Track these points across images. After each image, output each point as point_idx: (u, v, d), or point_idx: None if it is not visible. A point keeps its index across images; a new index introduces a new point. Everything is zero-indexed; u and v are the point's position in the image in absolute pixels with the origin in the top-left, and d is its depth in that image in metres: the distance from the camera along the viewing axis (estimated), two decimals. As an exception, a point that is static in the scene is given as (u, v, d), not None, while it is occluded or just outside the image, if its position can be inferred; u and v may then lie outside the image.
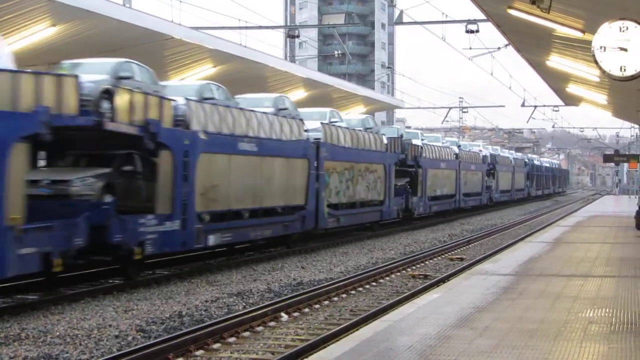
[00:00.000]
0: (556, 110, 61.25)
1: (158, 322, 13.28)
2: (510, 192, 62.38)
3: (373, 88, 77.91)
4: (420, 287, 17.58)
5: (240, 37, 51.62)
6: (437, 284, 17.69)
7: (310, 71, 44.99)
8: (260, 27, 38.62)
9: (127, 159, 18.16)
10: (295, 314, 14.61)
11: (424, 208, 38.88)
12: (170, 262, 20.69)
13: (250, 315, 13.67)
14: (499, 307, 11.42)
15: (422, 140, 41.78)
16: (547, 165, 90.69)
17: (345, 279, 18.40)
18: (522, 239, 27.42)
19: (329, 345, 10.55)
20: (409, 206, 36.09)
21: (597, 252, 19.94)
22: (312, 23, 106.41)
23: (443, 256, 24.74)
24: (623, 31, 10.36)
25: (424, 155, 39.34)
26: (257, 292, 16.61)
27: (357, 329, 11.39)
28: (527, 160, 75.05)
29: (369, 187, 30.94)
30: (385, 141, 33.10)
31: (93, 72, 16.31)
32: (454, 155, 46.49)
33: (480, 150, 55.04)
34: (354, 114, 40.68)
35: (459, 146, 50.31)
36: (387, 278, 19.70)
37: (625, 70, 10.39)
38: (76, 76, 15.58)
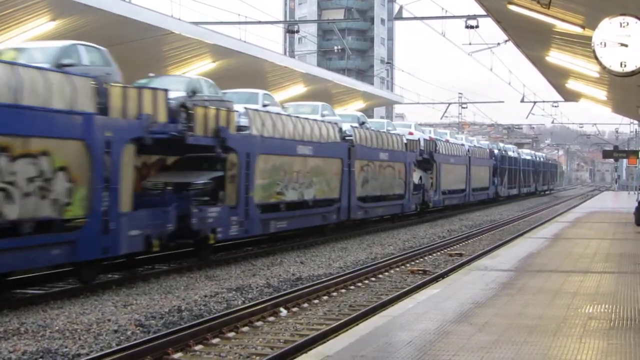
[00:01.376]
0: (555, 106, 61.29)
1: (157, 316, 13.28)
2: (464, 193, 47.47)
3: (372, 83, 77.90)
4: (420, 282, 17.58)
5: (239, 32, 51.54)
6: (436, 279, 17.70)
7: (310, 66, 45.01)
8: (259, 22, 38.52)
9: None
10: (295, 309, 14.61)
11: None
12: (170, 256, 20.68)
13: (249, 310, 13.66)
14: (498, 303, 11.42)
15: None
16: (529, 158, 76.14)
17: (344, 274, 18.40)
18: (521, 234, 27.42)
19: (328, 340, 10.55)
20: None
21: (597, 248, 19.95)
22: (311, 18, 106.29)
23: (442, 252, 24.74)
24: (623, 27, 10.36)
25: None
26: (256, 287, 16.61)
27: (357, 324, 11.38)
28: (498, 149, 61.81)
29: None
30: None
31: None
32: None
33: (411, 133, 40.55)
34: (348, 111, 40.74)
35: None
36: (386, 273, 19.70)
37: (625, 65, 10.39)
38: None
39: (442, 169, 41.78)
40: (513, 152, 69.03)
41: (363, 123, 33.64)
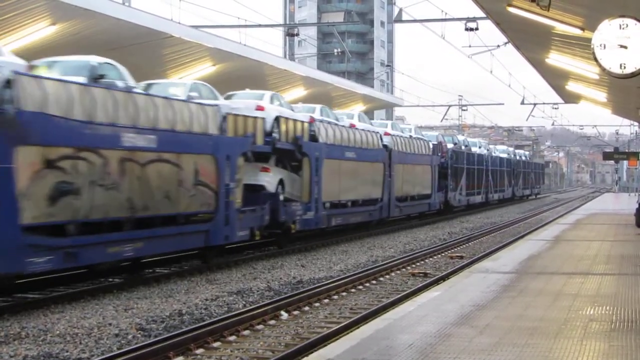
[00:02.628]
0: (556, 108, 61.29)
1: (158, 320, 13.28)
2: (377, 205, 32.07)
3: (372, 86, 77.92)
4: (421, 285, 17.58)
5: (239, 36, 51.66)
6: (437, 282, 17.69)
7: (310, 69, 44.99)
8: (259, 26, 38.60)
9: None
10: (296, 312, 14.61)
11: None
12: (169, 260, 20.69)
13: (250, 313, 13.66)
14: (499, 305, 11.42)
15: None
16: (504, 156, 63.37)
17: (345, 277, 18.40)
18: (522, 236, 27.43)
19: (329, 343, 10.55)
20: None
21: (597, 249, 19.94)
22: (311, 21, 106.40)
23: (443, 254, 24.74)
24: (623, 28, 10.36)
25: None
26: (257, 291, 16.61)
27: (358, 327, 11.38)
28: (455, 143, 48.53)
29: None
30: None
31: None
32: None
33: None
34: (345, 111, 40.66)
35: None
36: (387, 276, 19.70)
37: (625, 67, 10.39)
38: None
39: (323, 169, 26.95)
40: (481, 147, 56.75)
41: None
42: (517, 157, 70.63)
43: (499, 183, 58.96)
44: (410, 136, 38.34)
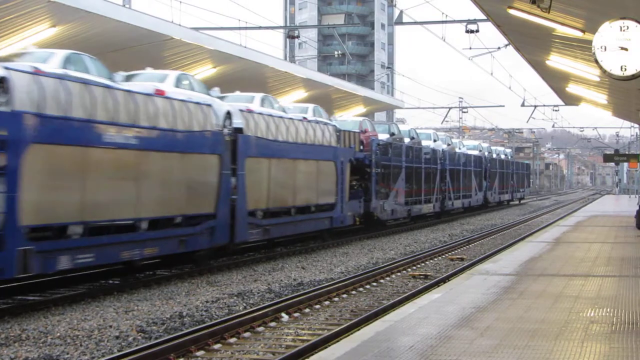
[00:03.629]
0: (556, 110, 61.24)
1: (159, 322, 13.28)
2: (209, 223, 19.86)
3: (373, 88, 78.01)
4: (421, 287, 17.57)
5: (240, 38, 51.65)
6: (437, 284, 17.68)
7: (310, 71, 45.00)
8: (260, 28, 38.61)
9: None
10: (296, 314, 14.61)
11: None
12: (171, 262, 20.68)
13: (251, 315, 13.66)
14: (499, 307, 11.41)
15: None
16: (475, 153, 52.82)
17: (345, 279, 18.39)
18: (523, 238, 27.42)
19: (330, 345, 10.55)
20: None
21: (598, 251, 19.94)
22: (311, 23, 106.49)
23: (443, 256, 24.74)
24: (623, 30, 10.36)
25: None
26: (258, 293, 16.61)
27: (358, 329, 11.38)
28: (392, 134, 35.97)
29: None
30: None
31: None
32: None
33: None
34: (347, 116, 40.53)
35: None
36: (388, 278, 19.69)
37: (626, 69, 10.39)
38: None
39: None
40: (437, 141, 45.38)
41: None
42: (495, 155, 59.69)
43: (464, 186, 47.12)
44: (305, 118, 26.67)
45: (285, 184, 24.39)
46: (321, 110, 29.32)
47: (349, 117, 35.99)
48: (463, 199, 47.24)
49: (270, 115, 23.84)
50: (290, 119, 25.16)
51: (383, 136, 34.71)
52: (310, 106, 28.66)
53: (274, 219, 23.64)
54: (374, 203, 31.61)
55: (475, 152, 53.39)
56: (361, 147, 31.38)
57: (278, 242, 26.16)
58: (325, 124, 27.99)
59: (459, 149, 50.17)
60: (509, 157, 66.68)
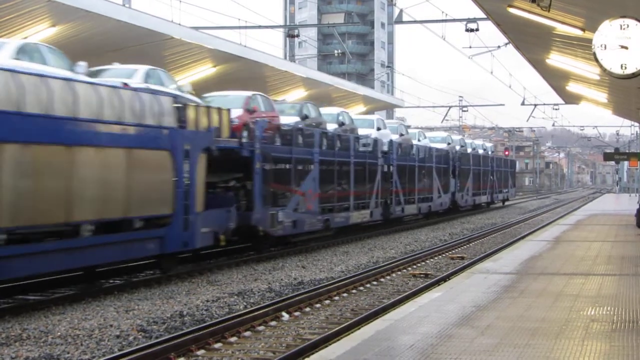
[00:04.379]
0: (556, 109, 61.20)
1: (159, 322, 13.28)
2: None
3: (373, 87, 77.91)
4: (421, 286, 17.58)
5: (240, 37, 51.56)
6: (438, 282, 17.69)
7: (310, 70, 44.97)
8: (259, 27, 38.57)
9: None
10: (297, 313, 14.61)
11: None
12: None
13: (251, 314, 13.67)
14: (500, 306, 11.42)
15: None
16: (442, 146, 44.14)
17: (346, 278, 18.40)
18: (523, 237, 27.41)
19: (330, 344, 10.55)
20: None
21: (598, 250, 19.94)
22: (311, 22, 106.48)
23: (444, 255, 24.74)
24: (624, 29, 10.36)
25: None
26: (258, 292, 16.61)
27: (359, 328, 11.39)
28: (305, 114, 26.71)
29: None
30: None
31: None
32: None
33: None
34: (356, 114, 40.21)
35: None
36: (388, 277, 19.70)
37: (626, 68, 10.38)
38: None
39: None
40: (381, 129, 34.36)
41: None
42: (470, 150, 50.81)
43: (421, 187, 38.58)
44: (126, 84, 17.98)
45: (47, 188, 14.53)
46: (164, 75, 20.43)
47: (230, 92, 24.48)
48: (420, 202, 38.24)
49: (41, 75, 14.85)
50: (90, 83, 16.27)
51: (331, 126, 28.92)
52: (142, 68, 19.59)
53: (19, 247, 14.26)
54: (259, 212, 22.42)
55: (442, 145, 44.61)
56: (245, 133, 22.23)
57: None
58: (162, 94, 18.63)
59: (418, 140, 40.54)
60: (489, 152, 57.51)
